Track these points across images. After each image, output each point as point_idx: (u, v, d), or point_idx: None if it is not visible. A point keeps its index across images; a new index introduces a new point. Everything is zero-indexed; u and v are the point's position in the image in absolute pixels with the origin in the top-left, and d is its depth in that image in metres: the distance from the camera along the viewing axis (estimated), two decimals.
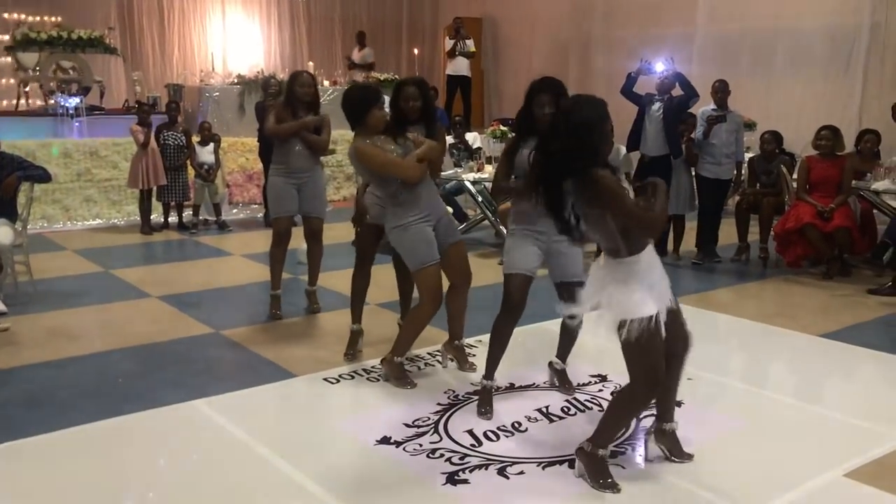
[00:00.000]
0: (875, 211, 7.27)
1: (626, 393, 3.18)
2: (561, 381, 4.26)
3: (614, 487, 3.13)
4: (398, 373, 4.29)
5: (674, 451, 3.41)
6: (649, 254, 3.08)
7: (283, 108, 5.39)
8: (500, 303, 3.86)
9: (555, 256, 3.83)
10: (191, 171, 9.16)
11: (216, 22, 14.70)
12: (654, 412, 3.46)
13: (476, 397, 4.05)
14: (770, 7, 11.02)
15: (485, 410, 3.87)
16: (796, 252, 6.90)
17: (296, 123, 5.27)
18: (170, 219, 9.06)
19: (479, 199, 8.31)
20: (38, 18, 11.73)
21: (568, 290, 3.71)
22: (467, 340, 4.94)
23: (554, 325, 5.16)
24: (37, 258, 6.78)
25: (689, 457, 3.40)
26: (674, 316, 3.20)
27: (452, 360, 4.60)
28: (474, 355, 4.68)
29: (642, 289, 3.00)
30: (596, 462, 3.17)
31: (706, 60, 11.18)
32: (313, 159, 5.44)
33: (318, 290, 5.79)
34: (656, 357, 3.04)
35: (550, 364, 4.30)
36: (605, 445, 3.18)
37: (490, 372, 3.92)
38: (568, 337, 4.21)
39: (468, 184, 8.18)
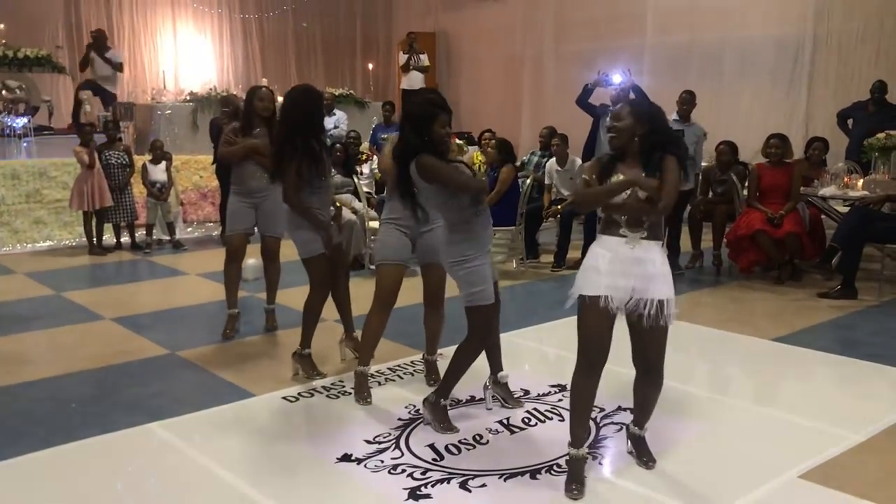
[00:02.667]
0: (823, 216, 7.45)
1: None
2: (505, 395, 4.18)
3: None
4: (362, 387, 4.28)
5: (640, 454, 3.48)
6: (612, 243, 3.15)
7: (236, 128, 5.32)
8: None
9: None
10: (141, 190, 9.04)
11: (167, 39, 14.54)
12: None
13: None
14: (717, 18, 11.25)
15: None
16: (748, 258, 7.03)
17: (242, 147, 5.20)
18: (122, 239, 8.92)
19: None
20: None
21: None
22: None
23: (515, 337, 5.21)
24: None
25: (652, 461, 3.45)
26: (641, 331, 3.21)
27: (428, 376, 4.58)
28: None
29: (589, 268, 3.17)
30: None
31: (656, 71, 11.38)
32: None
33: (276, 308, 5.73)
34: (584, 333, 3.20)
35: (494, 382, 4.18)
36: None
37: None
38: (494, 347, 4.17)
39: None
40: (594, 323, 3.15)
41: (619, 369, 3.53)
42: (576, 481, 3.23)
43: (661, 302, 3.13)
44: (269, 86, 13.39)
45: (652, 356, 3.30)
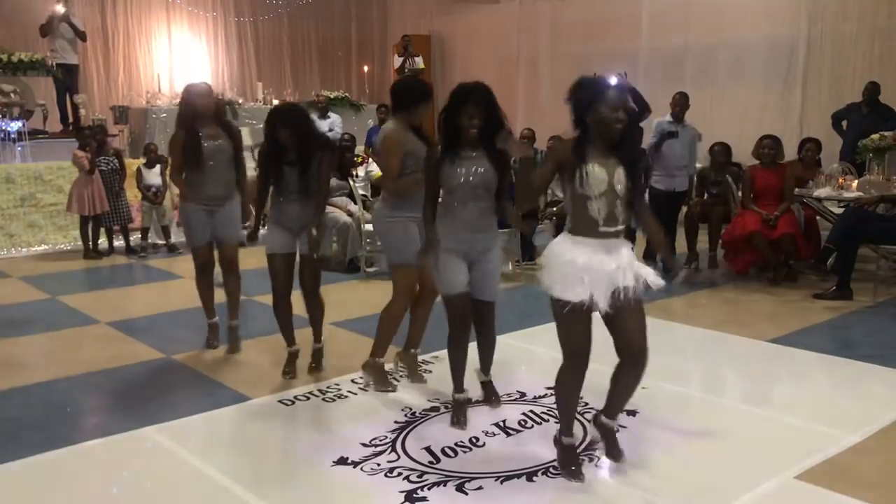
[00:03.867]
0: (818, 217, 7.46)
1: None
2: (487, 395, 4.23)
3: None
4: (379, 376, 4.46)
5: (609, 447, 3.49)
6: (588, 244, 3.16)
7: (181, 135, 4.98)
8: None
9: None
10: (136, 194, 9.02)
11: (162, 42, 14.53)
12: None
13: (433, 414, 4.05)
14: (711, 20, 11.28)
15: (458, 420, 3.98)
16: (744, 260, 7.05)
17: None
18: (116, 243, 8.90)
19: None
20: None
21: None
22: (425, 356, 4.94)
23: (511, 339, 5.21)
24: None
25: (621, 458, 3.47)
26: (622, 317, 3.23)
27: (403, 370, 4.63)
28: (429, 371, 4.67)
29: (558, 271, 3.18)
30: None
31: (651, 74, 11.41)
32: (231, 186, 5.14)
33: (271, 312, 5.70)
34: (571, 339, 3.25)
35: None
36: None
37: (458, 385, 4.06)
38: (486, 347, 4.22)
39: None
40: (577, 326, 3.19)
41: (612, 370, 3.51)
42: (576, 465, 3.36)
43: (635, 281, 3.18)
44: (262, 90, 13.45)
45: (637, 337, 3.27)
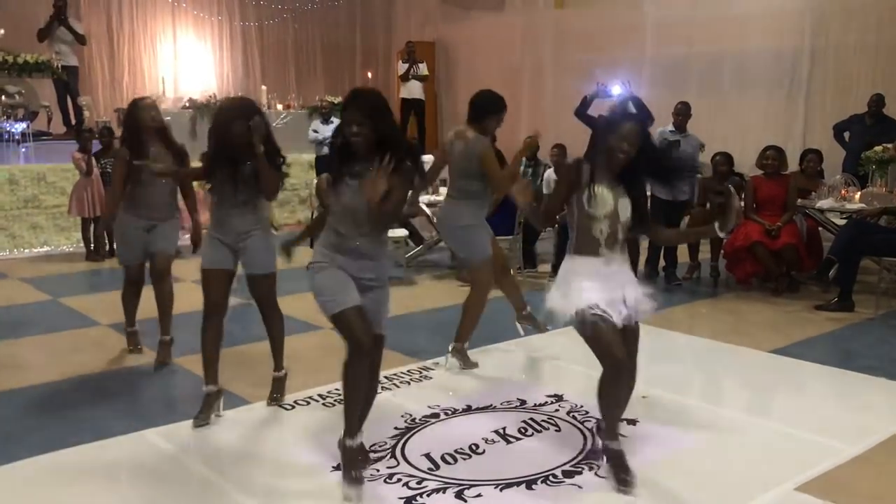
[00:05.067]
0: (820, 228, 7.45)
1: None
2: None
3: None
4: (464, 357, 4.84)
5: (618, 472, 3.41)
6: (591, 264, 3.28)
7: (123, 153, 4.80)
8: None
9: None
10: None
11: (167, 46, 14.55)
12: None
13: (433, 420, 4.05)
14: (715, 30, 11.29)
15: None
16: (746, 270, 7.04)
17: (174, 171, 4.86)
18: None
19: (435, 220, 8.31)
20: None
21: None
22: (425, 363, 4.95)
23: (512, 346, 5.21)
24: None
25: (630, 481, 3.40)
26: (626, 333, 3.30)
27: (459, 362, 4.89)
28: (430, 377, 4.67)
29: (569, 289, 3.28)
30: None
31: (655, 83, 11.41)
32: (173, 206, 4.99)
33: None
34: (603, 346, 3.24)
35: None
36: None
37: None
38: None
39: (423, 206, 8.19)
40: (607, 335, 3.22)
41: None
42: (625, 472, 3.33)
43: (636, 302, 3.31)
44: (266, 94, 13.45)
45: (633, 355, 3.39)
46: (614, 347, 3.23)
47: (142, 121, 4.73)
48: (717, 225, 3.30)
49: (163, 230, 4.93)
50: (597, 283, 3.25)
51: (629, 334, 3.33)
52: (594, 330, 3.21)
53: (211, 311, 4.16)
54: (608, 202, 3.26)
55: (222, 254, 4.14)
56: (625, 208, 3.30)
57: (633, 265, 7.40)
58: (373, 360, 3.36)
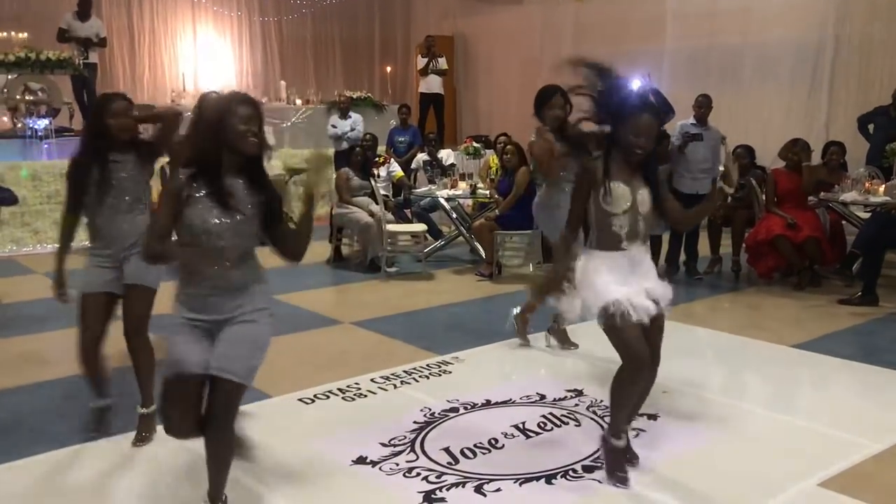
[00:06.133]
0: (844, 222, 7.37)
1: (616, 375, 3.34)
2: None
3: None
4: (563, 337, 5.09)
5: (614, 469, 3.38)
6: (613, 259, 3.21)
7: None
8: None
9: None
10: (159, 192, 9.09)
11: (187, 42, 14.64)
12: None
13: (452, 414, 4.05)
14: (737, 22, 11.18)
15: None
16: (768, 264, 6.98)
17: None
18: None
19: (454, 215, 8.32)
20: (5, 33, 11.62)
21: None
22: (444, 357, 4.95)
23: (531, 341, 5.19)
24: (5, 282, 6.69)
25: (636, 457, 3.44)
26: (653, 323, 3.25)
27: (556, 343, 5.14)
28: (449, 372, 4.66)
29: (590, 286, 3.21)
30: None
31: (676, 76, 11.32)
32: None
33: (292, 311, 5.73)
34: (626, 342, 3.19)
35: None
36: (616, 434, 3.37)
37: None
38: None
39: (442, 200, 8.19)
40: (631, 331, 3.17)
41: None
42: (623, 470, 3.32)
43: (658, 293, 3.26)
44: (286, 90, 13.39)
45: (658, 346, 3.34)
46: (637, 344, 3.19)
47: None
48: (721, 183, 3.30)
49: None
50: (619, 278, 3.19)
51: (655, 326, 3.25)
52: (618, 326, 3.16)
53: (90, 341, 3.78)
54: (626, 198, 3.18)
55: (104, 272, 3.77)
56: (644, 201, 3.22)
57: (654, 259, 7.40)
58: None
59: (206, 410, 2.86)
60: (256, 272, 2.97)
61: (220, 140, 2.71)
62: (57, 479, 3.49)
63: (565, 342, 5.13)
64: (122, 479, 3.47)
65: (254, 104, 2.76)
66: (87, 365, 3.82)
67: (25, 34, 11.46)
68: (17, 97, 10.42)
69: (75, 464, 3.63)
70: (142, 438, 3.81)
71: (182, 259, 2.83)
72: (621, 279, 3.20)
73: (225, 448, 2.90)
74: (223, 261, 2.80)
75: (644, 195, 3.23)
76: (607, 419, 3.81)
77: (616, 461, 3.34)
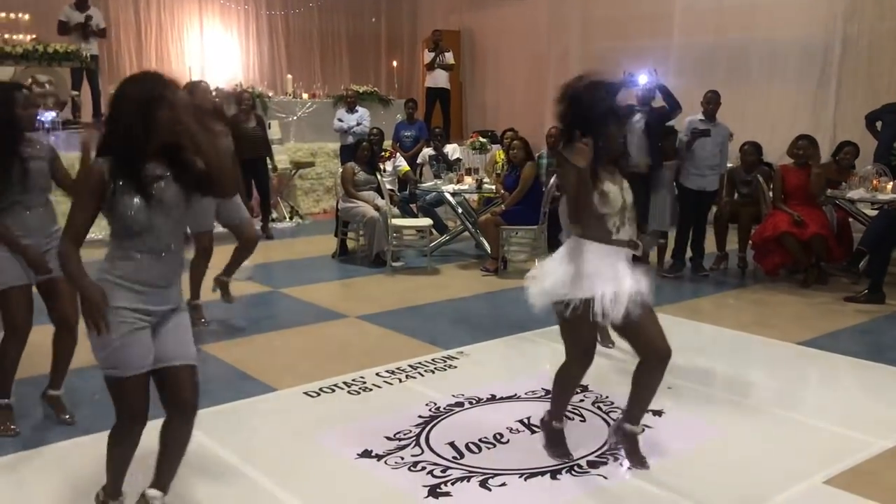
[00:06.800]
0: (851, 219, 7.35)
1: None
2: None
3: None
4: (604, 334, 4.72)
5: (631, 454, 3.44)
6: (603, 250, 3.19)
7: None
8: None
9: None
10: None
11: (194, 35, 14.64)
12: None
13: (457, 409, 4.06)
14: (745, 19, 11.13)
15: None
16: (774, 261, 6.96)
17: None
18: None
19: (459, 210, 8.32)
20: (13, 35, 11.64)
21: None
22: (450, 352, 4.95)
23: (536, 337, 5.20)
24: None
25: (645, 465, 3.41)
26: (642, 323, 3.23)
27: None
28: (454, 367, 4.67)
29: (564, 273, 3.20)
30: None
31: (683, 72, 11.27)
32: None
33: (297, 305, 5.74)
34: (579, 338, 3.33)
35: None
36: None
37: None
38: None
39: (448, 195, 8.19)
40: (589, 328, 3.25)
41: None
42: (563, 445, 3.52)
43: (644, 287, 3.23)
44: (292, 84, 13.38)
45: (661, 341, 3.29)
46: (584, 339, 3.32)
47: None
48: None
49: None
50: (598, 273, 3.16)
51: (642, 320, 3.21)
52: (570, 318, 3.19)
53: (23, 334, 3.80)
54: (619, 198, 3.20)
55: (22, 264, 3.67)
56: (628, 192, 3.25)
57: (660, 255, 7.39)
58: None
59: (170, 399, 2.78)
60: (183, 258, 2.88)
61: (144, 126, 2.54)
62: (59, 471, 3.50)
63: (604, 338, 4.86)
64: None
65: (178, 89, 2.65)
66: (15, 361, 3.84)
67: (29, 37, 11.46)
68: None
69: (78, 456, 3.62)
70: (68, 417, 3.95)
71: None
72: (605, 271, 3.16)
73: (190, 431, 2.85)
74: (160, 251, 2.71)
75: (626, 187, 3.25)
76: (613, 415, 3.83)
77: (556, 439, 3.53)
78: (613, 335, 4.71)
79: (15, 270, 3.69)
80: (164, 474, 2.88)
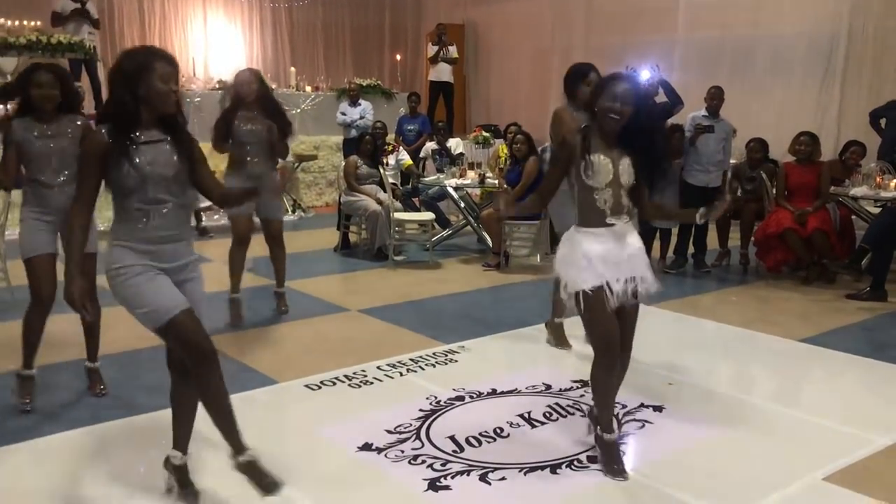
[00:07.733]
0: (853, 217, 7.34)
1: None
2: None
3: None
4: (559, 334, 4.89)
5: (607, 463, 3.36)
6: (598, 235, 3.19)
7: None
8: None
9: None
10: None
11: (197, 27, 14.63)
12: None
13: (458, 403, 4.06)
14: (749, 14, 11.11)
15: None
16: (776, 257, 6.96)
17: None
18: None
19: (462, 204, 8.32)
20: (16, 23, 11.62)
21: None
22: (451, 346, 4.96)
23: (538, 332, 5.20)
24: (15, 265, 6.68)
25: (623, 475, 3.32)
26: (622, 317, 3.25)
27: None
28: (455, 360, 4.67)
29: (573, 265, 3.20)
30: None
31: (687, 67, 11.26)
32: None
33: (300, 298, 5.74)
34: (599, 327, 3.21)
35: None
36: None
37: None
38: None
39: (450, 189, 8.18)
40: (605, 317, 3.18)
41: (639, 365, 3.50)
42: (616, 463, 3.30)
43: (641, 279, 3.23)
44: (296, 76, 13.36)
45: (629, 336, 3.32)
46: (604, 327, 3.19)
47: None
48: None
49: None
50: (606, 256, 3.16)
51: (627, 314, 3.25)
52: (588, 309, 3.17)
53: (47, 303, 3.92)
54: (608, 170, 3.14)
55: (49, 235, 3.87)
56: (626, 172, 3.18)
57: (663, 251, 7.37)
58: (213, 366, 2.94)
59: (194, 350, 2.91)
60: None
61: (139, 96, 2.71)
62: (64, 461, 3.51)
63: (560, 341, 4.94)
64: (125, 461, 3.49)
65: (173, 61, 2.79)
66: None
67: (38, 22, 11.45)
68: None
69: (83, 447, 3.64)
70: (102, 391, 4.14)
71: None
72: (608, 257, 3.16)
73: (222, 377, 3.00)
74: (160, 206, 2.82)
75: (625, 166, 3.18)
76: (614, 410, 3.81)
77: (611, 456, 3.33)
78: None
79: (40, 240, 3.80)
80: (229, 435, 3.02)
